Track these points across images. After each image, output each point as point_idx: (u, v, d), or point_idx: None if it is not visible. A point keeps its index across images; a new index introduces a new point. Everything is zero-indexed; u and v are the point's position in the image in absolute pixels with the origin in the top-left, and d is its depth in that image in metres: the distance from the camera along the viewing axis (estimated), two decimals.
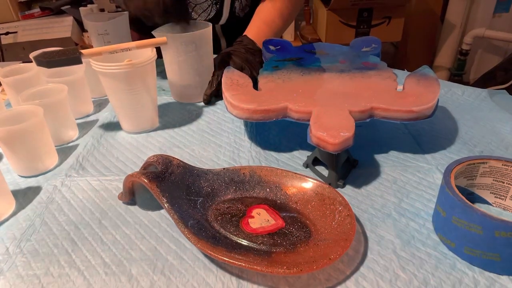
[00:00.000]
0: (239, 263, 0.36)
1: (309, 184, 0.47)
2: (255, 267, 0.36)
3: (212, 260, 0.40)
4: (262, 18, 0.84)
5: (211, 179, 0.48)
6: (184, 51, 0.67)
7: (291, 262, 0.37)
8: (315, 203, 0.45)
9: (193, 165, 0.55)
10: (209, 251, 0.37)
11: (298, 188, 0.47)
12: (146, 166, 0.49)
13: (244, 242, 0.40)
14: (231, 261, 0.37)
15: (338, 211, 0.43)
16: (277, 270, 0.36)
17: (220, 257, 0.37)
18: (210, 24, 0.70)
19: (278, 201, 0.46)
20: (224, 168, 0.49)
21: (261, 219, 0.44)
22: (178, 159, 0.48)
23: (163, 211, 0.47)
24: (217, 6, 0.91)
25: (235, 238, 0.41)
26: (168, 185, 0.45)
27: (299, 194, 0.46)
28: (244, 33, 0.81)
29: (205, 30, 0.68)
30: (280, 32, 0.86)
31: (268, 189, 0.47)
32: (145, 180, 0.44)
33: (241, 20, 0.92)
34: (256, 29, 0.82)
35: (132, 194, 0.48)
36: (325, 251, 0.38)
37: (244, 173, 0.49)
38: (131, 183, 0.47)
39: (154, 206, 0.47)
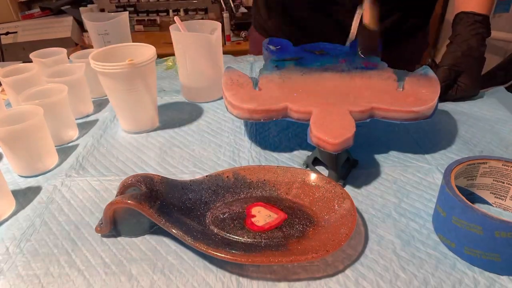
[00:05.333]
0: (269, 261, 0.37)
1: (293, 174, 0.47)
2: (281, 260, 0.37)
3: (212, 260, 0.40)
4: None
5: (196, 189, 0.47)
6: (192, 51, 0.68)
7: (311, 248, 0.38)
8: (306, 189, 0.46)
9: (192, 165, 0.56)
10: (233, 258, 0.37)
11: (284, 180, 0.47)
12: (123, 189, 0.45)
13: (257, 241, 0.41)
14: (257, 262, 0.37)
15: (330, 191, 0.44)
16: (305, 257, 0.37)
17: (244, 261, 0.37)
18: (219, 26, 0.69)
19: (270, 196, 0.47)
20: (206, 176, 0.48)
21: (263, 216, 0.44)
22: (158, 175, 0.46)
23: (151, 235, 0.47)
24: None
25: (249, 240, 0.41)
26: (160, 204, 0.42)
27: (287, 185, 0.47)
28: (459, 5, 0.68)
29: (216, 33, 0.68)
30: None
31: (256, 187, 0.48)
32: (135, 203, 0.41)
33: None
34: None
35: (113, 224, 0.44)
36: (336, 229, 0.40)
37: (227, 176, 0.48)
38: (113, 211, 0.43)
39: (141, 231, 0.44)
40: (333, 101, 0.53)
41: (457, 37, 0.67)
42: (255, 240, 0.41)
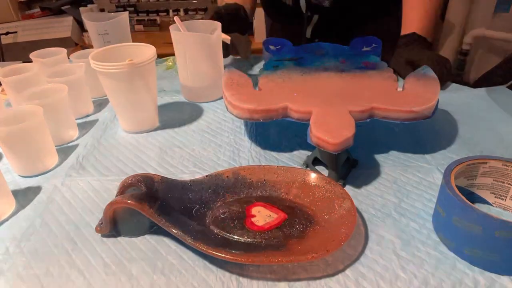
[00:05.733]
0: (269, 261, 0.37)
1: (293, 174, 0.47)
2: (281, 260, 0.37)
3: (212, 260, 0.40)
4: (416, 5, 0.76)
5: (196, 189, 0.47)
6: (192, 51, 0.68)
7: (311, 248, 0.38)
8: (306, 189, 0.46)
9: (192, 165, 0.56)
10: (233, 258, 0.37)
11: (284, 180, 0.47)
12: (123, 189, 0.45)
13: (257, 241, 0.41)
14: (257, 262, 0.37)
15: (330, 191, 0.45)
16: (305, 257, 0.37)
17: (244, 261, 0.37)
18: (219, 26, 0.69)
19: (270, 195, 0.47)
20: (206, 176, 0.48)
21: (263, 216, 0.44)
22: (157, 175, 0.46)
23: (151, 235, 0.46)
24: None
25: (249, 240, 0.41)
26: (160, 204, 0.42)
27: (287, 185, 0.47)
28: (405, 29, 0.76)
29: (216, 33, 0.68)
30: (438, 12, 0.79)
31: (256, 187, 0.48)
32: (135, 203, 0.41)
33: (328, 12, 0.85)
34: (420, 21, 0.75)
35: (113, 224, 0.44)
36: (335, 228, 0.40)
37: (227, 176, 0.48)
38: (113, 211, 0.43)
39: (141, 231, 0.44)
40: (333, 101, 0.53)
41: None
42: (255, 240, 0.41)
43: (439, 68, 0.67)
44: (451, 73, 0.72)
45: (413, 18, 0.77)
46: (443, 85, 0.72)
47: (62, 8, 2.18)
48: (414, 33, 0.74)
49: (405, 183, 0.50)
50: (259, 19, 2.01)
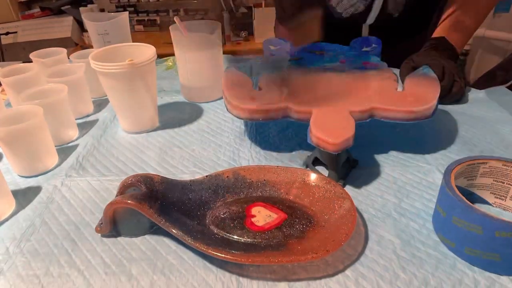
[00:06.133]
0: (269, 261, 0.37)
1: (293, 174, 0.47)
2: (281, 260, 0.37)
3: (212, 260, 0.40)
4: (455, 17, 0.73)
5: (196, 189, 0.47)
6: (191, 50, 0.68)
7: (311, 248, 0.38)
8: (306, 189, 0.46)
9: (192, 165, 0.56)
10: (233, 258, 0.37)
11: (284, 180, 0.47)
12: (123, 189, 0.45)
13: (257, 241, 0.41)
14: (257, 262, 0.37)
15: (330, 191, 0.45)
16: (305, 257, 0.37)
17: (244, 261, 0.37)
18: (219, 26, 0.69)
19: (270, 195, 0.47)
20: (206, 176, 0.48)
21: (263, 216, 0.44)
22: (157, 175, 0.46)
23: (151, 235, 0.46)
24: (367, 0, 0.79)
25: (249, 240, 0.41)
26: (160, 204, 0.42)
27: (287, 185, 0.47)
28: (436, 34, 0.73)
29: (216, 33, 0.68)
30: (473, 32, 0.77)
31: (256, 187, 0.48)
32: (135, 203, 0.41)
33: (393, 20, 0.81)
34: (453, 31, 0.72)
35: (113, 224, 0.44)
36: (336, 229, 0.40)
37: (228, 176, 0.48)
38: (113, 211, 0.43)
39: (141, 231, 0.44)
40: (333, 101, 0.53)
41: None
42: (255, 240, 0.41)
43: (448, 82, 0.65)
44: (461, 93, 0.68)
45: (450, 23, 0.73)
46: (447, 100, 0.67)
47: (62, 8, 2.18)
48: (443, 38, 0.71)
49: (405, 183, 0.50)
50: (259, 19, 2.01)
